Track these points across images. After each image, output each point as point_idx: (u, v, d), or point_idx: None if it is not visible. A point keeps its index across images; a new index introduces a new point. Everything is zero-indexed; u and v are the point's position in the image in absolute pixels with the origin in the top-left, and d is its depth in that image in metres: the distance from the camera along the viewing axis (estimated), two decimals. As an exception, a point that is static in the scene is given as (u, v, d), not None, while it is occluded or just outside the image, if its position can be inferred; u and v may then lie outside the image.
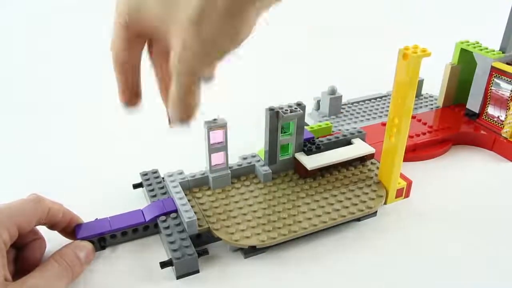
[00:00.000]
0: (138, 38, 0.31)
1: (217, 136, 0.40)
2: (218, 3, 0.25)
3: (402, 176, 0.45)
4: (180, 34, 0.27)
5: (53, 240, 0.37)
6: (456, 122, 0.56)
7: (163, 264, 0.35)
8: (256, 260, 0.38)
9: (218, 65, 0.29)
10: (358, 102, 0.62)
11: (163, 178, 0.44)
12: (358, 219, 0.41)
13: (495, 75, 0.52)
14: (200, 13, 0.25)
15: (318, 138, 0.48)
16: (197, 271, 0.36)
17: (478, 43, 0.56)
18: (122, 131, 0.58)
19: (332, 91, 0.58)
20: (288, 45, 0.90)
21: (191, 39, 0.26)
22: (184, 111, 0.31)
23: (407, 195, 0.45)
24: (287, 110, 0.41)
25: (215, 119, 0.39)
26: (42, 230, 0.37)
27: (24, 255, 0.35)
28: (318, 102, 0.59)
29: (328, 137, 0.48)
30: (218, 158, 0.41)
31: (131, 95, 0.35)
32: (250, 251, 0.38)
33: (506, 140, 0.52)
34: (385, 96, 0.63)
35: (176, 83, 0.30)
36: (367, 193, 0.42)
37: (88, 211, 0.40)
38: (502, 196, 0.46)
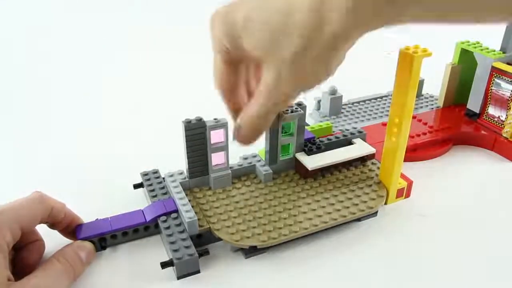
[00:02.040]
0: (237, 62, 0.34)
1: (217, 135, 0.40)
2: (316, 46, 0.27)
3: (403, 176, 0.45)
4: (276, 66, 0.29)
5: (53, 240, 0.37)
6: (457, 122, 0.56)
7: (164, 264, 0.35)
8: (257, 260, 0.38)
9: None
10: (358, 102, 0.62)
11: (163, 178, 0.44)
12: (359, 219, 0.41)
13: (495, 75, 0.52)
14: (301, 52, 0.28)
15: (318, 138, 0.48)
16: (198, 271, 0.36)
17: (478, 43, 0.56)
18: (123, 131, 0.58)
19: (333, 91, 0.58)
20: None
21: (287, 73, 0.29)
22: (254, 131, 0.34)
23: (407, 195, 0.45)
24: (287, 110, 0.41)
25: (215, 119, 0.39)
26: (42, 229, 0.37)
27: (23, 256, 0.35)
28: (319, 102, 0.59)
29: (328, 137, 0.48)
30: (218, 158, 0.41)
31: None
32: (251, 251, 0.38)
33: (507, 140, 0.52)
34: (385, 96, 0.63)
35: (258, 106, 0.32)
36: (367, 193, 0.42)
37: (88, 211, 0.40)
38: (502, 196, 0.46)
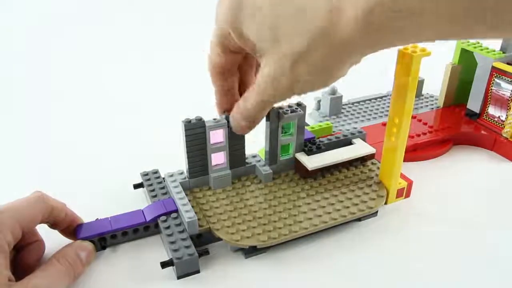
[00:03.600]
0: (234, 53, 0.34)
1: (217, 135, 0.40)
2: (321, 50, 0.26)
3: (403, 176, 0.45)
4: (276, 61, 0.28)
5: (53, 240, 0.37)
6: (457, 122, 0.56)
7: (164, 264, 0.35)
8: (257, 260, 0.38)
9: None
10: (358, 102, 0.62)
11: (163, 178, 0.44)
12: (359, 219, 0.41)
13: (495, 75, 0.52)
14: (304, 53, 0.27)
15: (318, 138, 0.48)
16: (198, 271, 0.36)
17: (478, 43, 0.56)
18: (123, 131, 0.58)
19: (333, 91, 0.58)
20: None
21: (285, 71, 0.28)
22: (248, 121, 0.35)
23: (407, 195, 0.45)
24: (287, 110, 0.41)
25: (215, 119, 0.39)
26: (42, 230, 0.37)
27: (23, 257, 0.35)
28: (319, 102, 0.59)
29: (328, 137, 0.48)
30: (218, 158, 0.41)
31: (228, 104, 0.37)
32: (251, 251, 0.38)
33: (507, 140, 0.52)
34: (385, 96, 0.63)
35: (252, 98, 0.32)
36: (367, 193, 0.42)
37: (88, 211, 0.40)
38: (502, 196, 0.46)
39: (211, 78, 0.36)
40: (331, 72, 0.28)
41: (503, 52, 0.53)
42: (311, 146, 0.45)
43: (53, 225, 0.37)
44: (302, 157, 0.44)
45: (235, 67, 0.35)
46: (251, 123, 0.35)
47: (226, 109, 0.38)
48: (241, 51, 0.33)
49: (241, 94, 0.36)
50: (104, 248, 0.39)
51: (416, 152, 0.52)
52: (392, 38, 0.25)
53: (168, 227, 0.38)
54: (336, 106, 0.58)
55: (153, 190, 0.43)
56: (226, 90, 0.36)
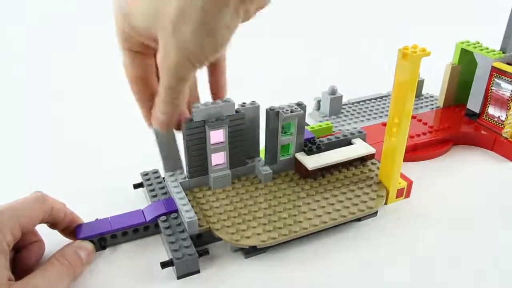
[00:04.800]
0: (141, 52, 0.33)
1: (217, 135, 0.40)
2: (194, 11, 0.26)
3: (403, 176, 0.45)
4: (162, 37, 0.28)
5: (53, 240, 0.37)
6: (457, 122, 0.56)
7: (164, 264, 0.35)
8: (257, 260, 0.38)
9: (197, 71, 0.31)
10: (358, 102, 0.62)
11: (163, 178, 0.44)
12: (359, 219, 0.41)
13: (495, 75, 0.52)
14: (179, 14, 0.27)
15: (318, 138, 0.48)
16: (198, 271, 0.36)
17: (478, 43, 0.56)
18: (123, 131, 0.58)
19: (333, 91, 0.58)
20: (289, 44, 0.90)
21: (171, 45, 0.28)
22: (164, 116, 0.33)
23: (407, 195, 0.45)
24: (287, 110, 0.41)
25: (215, 119, 0.39)
26: (42, 229, 0.37)
27: (23, 257, 0.35)
28: (319, 102, 0.59)
29: (328, 137, 0.48)
30: (218, 158, 0.41)
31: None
32: (251, 251, 0.38)
33: (507, 140, 0.52)
34: (385, 96, 0.63)
35: (160, 88, 0.31)
36: (367, 193, 0.42)
37: (88, 211, 0.40)
38: (502, 196, 0.46)
39: (130, 88, 0.36)
40: (214, 28, 0.28)
41: (503, 52, 0.53)
42: (311, 146, 0.45)
43: (53, 225, 0.37)
44: (302, 157, 0.44)
45: (152, 75, 0.34)
46: (169, 116, 0.34)
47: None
48: (144, 49, 0.33)
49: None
50: (104, 248, 0.39)
51: (416, 152, 0.52)
52: None
53: (168, 227, 0.38)
54: (336, 106, 0.58)
55: (153, 190, 0.43)
56: (149, 96, 0.35)
